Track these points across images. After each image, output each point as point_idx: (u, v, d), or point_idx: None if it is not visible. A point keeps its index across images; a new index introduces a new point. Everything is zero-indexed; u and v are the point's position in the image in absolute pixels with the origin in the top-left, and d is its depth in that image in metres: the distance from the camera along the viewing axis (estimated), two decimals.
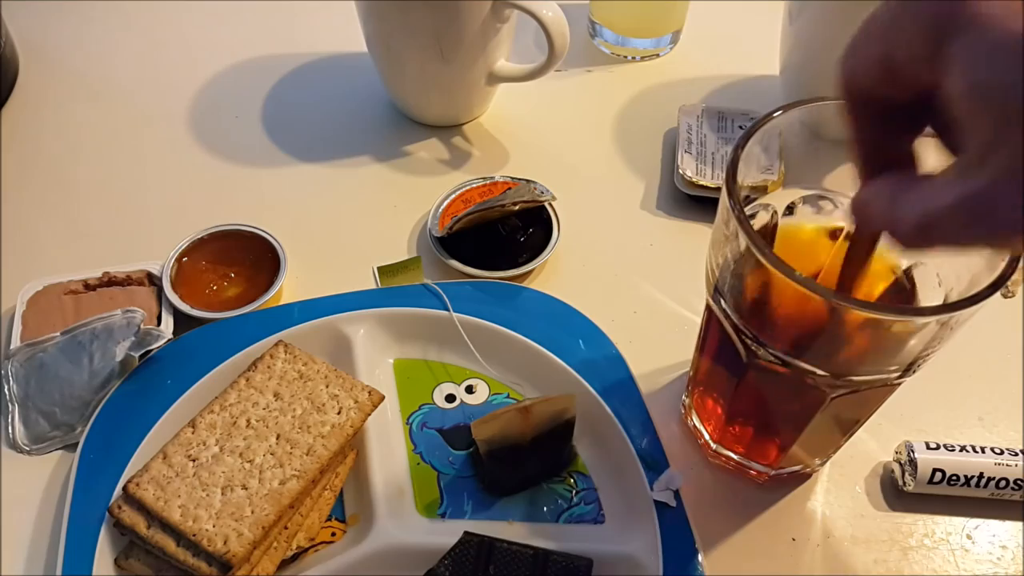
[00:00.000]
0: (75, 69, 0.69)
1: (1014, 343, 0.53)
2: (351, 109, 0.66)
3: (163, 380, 0.47)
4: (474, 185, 0.58)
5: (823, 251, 0.39)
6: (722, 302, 0.37)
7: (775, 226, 0.40)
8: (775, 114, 0.36)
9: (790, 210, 0.40)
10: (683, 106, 0.64)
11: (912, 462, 0.45)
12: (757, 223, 0.40)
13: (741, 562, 0.44)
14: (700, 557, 0.42)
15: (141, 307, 0.50)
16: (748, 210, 0.38)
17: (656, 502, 0.43)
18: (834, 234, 0.40)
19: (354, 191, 0.60)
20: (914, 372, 0.36)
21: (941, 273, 0.37)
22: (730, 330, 0.38)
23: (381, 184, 0.61)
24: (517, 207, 0.54)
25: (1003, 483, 0.45)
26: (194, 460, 0.42)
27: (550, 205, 0.57)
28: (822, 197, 0.40)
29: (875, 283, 0.38)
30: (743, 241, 0.33)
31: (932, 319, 0.32)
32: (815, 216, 0.40)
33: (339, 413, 0.44)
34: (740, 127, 0.63)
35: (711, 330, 0.41)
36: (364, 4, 0.57)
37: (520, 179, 0.59)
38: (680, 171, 0.59)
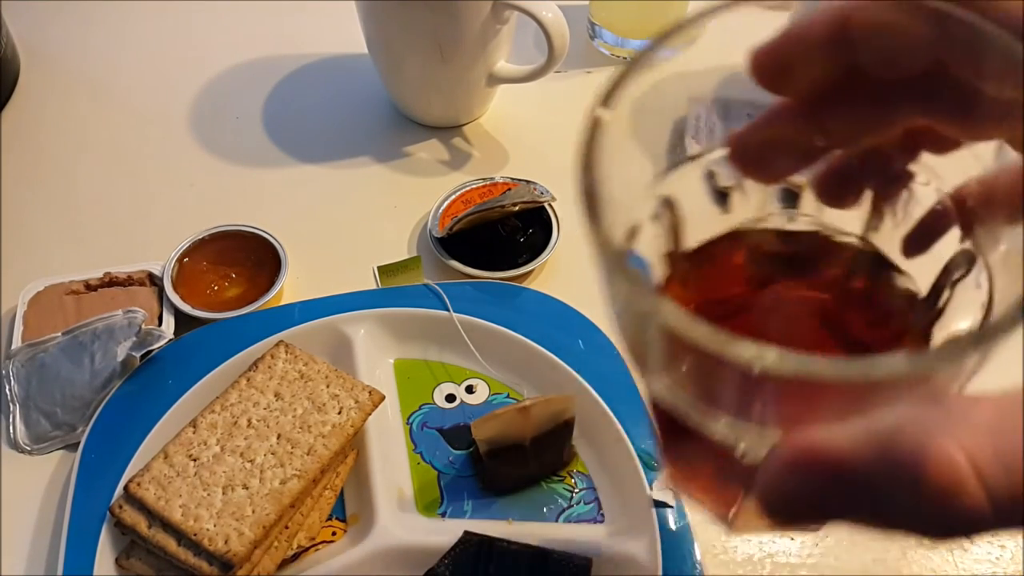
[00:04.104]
0: (76, 70, 0.69)
1: (1013, 343, 0.53)
2: (351, 110, 0.66)
3: (164, 380, 0.47)
4: (474, 186, 0.59)
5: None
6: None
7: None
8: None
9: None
10: (690, 97, 0.64)
11: None
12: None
13: (740, 562, 0.44)
14: (699, 556, 0.42)
15: (142, 307, 0.50)
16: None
17: (655, 501, 0.43)
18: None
19: (354, 191, 0.61)
20: None
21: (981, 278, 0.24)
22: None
23: (381, 184, 0.61)
24: (517, 208, 0.55)
25: None
26: (195, 460, 0.42)
27: (550, 206, 0.57)
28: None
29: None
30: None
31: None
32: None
33: (340, 413, 0.44)
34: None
35: None
36: (364, 5, 0.57)
37: (520, 180, 0.59)
38: None
